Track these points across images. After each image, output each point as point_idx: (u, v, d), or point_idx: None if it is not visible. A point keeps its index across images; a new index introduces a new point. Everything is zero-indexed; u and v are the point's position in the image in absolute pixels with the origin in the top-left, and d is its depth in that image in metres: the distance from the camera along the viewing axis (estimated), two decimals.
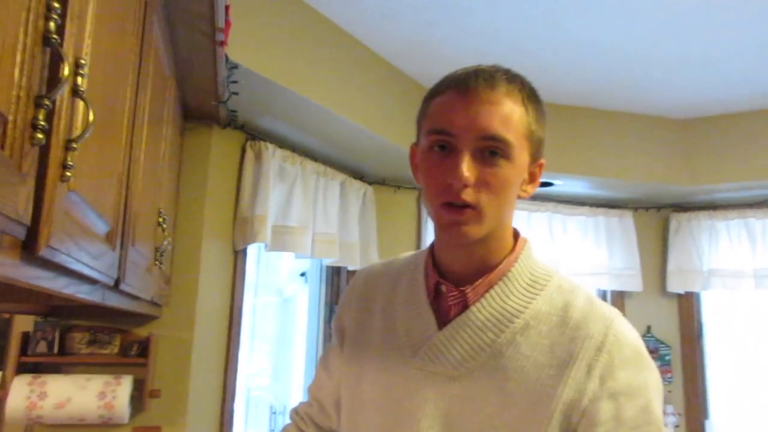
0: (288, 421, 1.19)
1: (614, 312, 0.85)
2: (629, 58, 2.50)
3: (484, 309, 0.85)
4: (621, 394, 0.78)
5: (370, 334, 0.96)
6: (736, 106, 2.99)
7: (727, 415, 3.28)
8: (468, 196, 0.79)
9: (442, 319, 0.88)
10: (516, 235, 0.91)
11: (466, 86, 0.81)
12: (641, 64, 2.55)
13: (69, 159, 0.68)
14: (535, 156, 0.86)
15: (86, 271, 0.86)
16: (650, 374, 0.81)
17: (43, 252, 0.65)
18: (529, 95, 0.86)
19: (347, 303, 1.03)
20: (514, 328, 0.83)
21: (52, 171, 0.65)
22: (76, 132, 0.72)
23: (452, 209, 0.80)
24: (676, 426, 3.24)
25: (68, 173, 0.68)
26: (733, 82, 2.71)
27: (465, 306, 0.86)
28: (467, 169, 0.78)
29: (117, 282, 1.12)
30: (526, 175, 0.86)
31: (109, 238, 1.02)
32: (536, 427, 0.78)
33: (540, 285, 0.87)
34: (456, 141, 0.80)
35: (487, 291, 0.85)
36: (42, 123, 0.58)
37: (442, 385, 0.84)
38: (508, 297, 0.85)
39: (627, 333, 0.82)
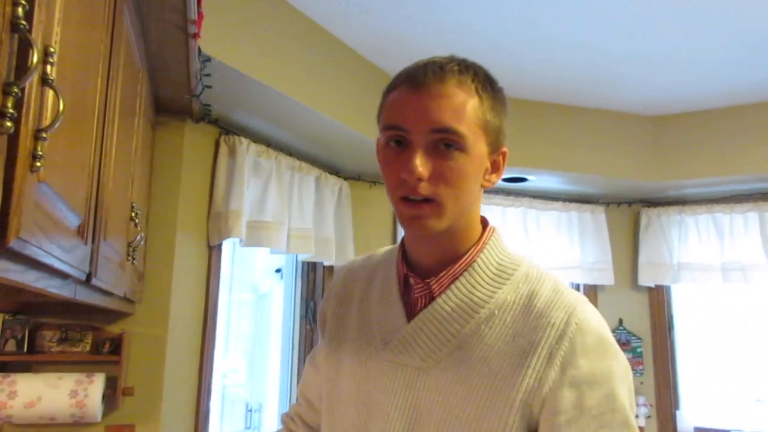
0: (279, 426, 1.19)
1: (580, 300, 0.84)
2: (602, 55, 2.54)
3: (449, 300, 0.85)
4: (583, 382, 0.77)
5: (348, 328, 0.96)
6: (706, 104, 3.05)
7: (697, 405, 3.36)
8: (424, 190, 0.80)
9: (411, 312, 0.89)
10: (485, 224, 0.91)
11: (416, 81, 0.82)
12: (614, 61, 2.59)
13: (39, 149, 0.67)
14: (495, 145, 0.85)
15: (57, 264, 0.85)
16: (615, 362, 0.80)
17: (13, 243, 0.64)
18: (483, 85, 0.84)
19: (328, 298, 1.05)
20: (479, 319, 0.83)
21: (22, 161, 0.64)
22: (46, 122, 0.70)
23: (410, 204, 0.81)
24: (648, 417, 3.31)
25: (38, 163, 0.67)
26: (704, 80, 2.77)
27: (432, 298, 0.87)
28: (420, 164, 0.79)
29: (89, 277, 1.10)
30: (487, 165, 0.85)
31: (80, 231, 1.00)
32: (497, 417, 0.78)
33: (507, 274, 0.87)
34: (409, 136, 0.81)
35: (452, 282, 0.86)
36: (11, 111, 0.57)
37: (411, 377, 0.85)
38: (474, 287, 0.85)
39: (590, 320, 0.81)
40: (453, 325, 0.84)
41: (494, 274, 0.87)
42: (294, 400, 2.73)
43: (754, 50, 2.46)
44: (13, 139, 0.62)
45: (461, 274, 0.86)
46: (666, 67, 2.64)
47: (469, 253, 0.87)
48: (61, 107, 0.69)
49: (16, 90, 0.57)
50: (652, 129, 3.21)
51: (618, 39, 2.41)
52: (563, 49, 2.49)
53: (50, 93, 0.71)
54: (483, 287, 0.86)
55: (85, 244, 1.05)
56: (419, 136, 0.80)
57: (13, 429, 1.79)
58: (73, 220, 0.94)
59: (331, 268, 2.83)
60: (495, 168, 0.87)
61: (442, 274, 0.86)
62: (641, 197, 3.52)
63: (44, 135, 0.67)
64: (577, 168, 3.07)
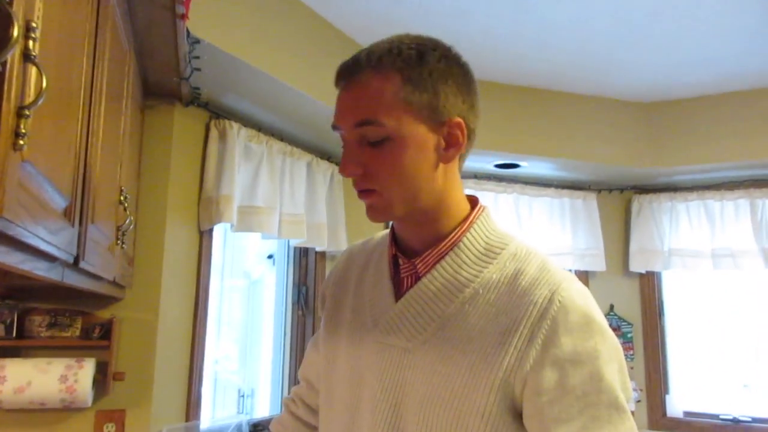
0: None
1: (566, 278, 0.81)
2: (595, 41, 2.53)
3: (435, 280, 0.85)
4: (566, 361, 0.75)
5: (344, 310, 0.97)
6: (698, 90, 3.05)
7: (686, 390, 3.39)
8: (364, 184, 0.82)
9: (399, 293, 0.89)
10: (474, 204, 0.90)
11: (338, 76, 0.84)
12: (606, 47, 2.58)
13: (22, 126, 0.65)
14: (434, 119, 0.82)
15: (43, 246, 0.83)
16: (601, 341, 0.77)
17: None
18: (407, 60, 0.81)
19: (328, 282, 1.06)
20: (463, 298, 0.83)
21: (4, 138, 0.62)
22: (29, 99, 0.69)
23: (362, 195, 0.84)
24: (638, 401, 3.34)
25: (21, 142, 0.65)
26: (697, 67, 2.77)
27: (418, 278, 0.87)
28: (349, 161, 0.81)
29: (76, 260, 1.09)
30: (434, 142, 0.82)
31: (67, 213, 0.99)
32: (478, 395, 0.77)
33: (494, 253, 0.85)
34: (344, 133, 0.83)
35: (438, 262, 0.86)
36: None
37: (398, 357, 0.85)
38: (460, 267, 0.85)
39: (575, 298, 0.79)
40: (438, 304, 0.84)
41: (481, 253, 0.86)
42: (287, 386, 2.73)
43: (747, 37, 2.46)
44: None
45: (447, 253, 0.86)
46: (659, 54, 2.64)
47: (454, 233, 0.86)
48: (44, 84, 0.68)
49: None
50: (644, 115, 3.21)
51: (611, 25, 2.40)
52: (556, 34, 2.48)
53: (33, 69, 0.69)
54: (469, 266, 0.85)
55: (72, 226, 1.03)
56: (348, 132, 0.82)
57: (2, 414, 1.78)
58: (59, 202, 0.92)
59: (323, 254, 2.82)
60: (452, 142, 0.83)
61: (426, 254, 0.86)
62: (633, 184, 3.53)
63: (27, 112, 0.66)
64: (569, 154, 3.07)
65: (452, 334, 0.81)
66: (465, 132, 0.84)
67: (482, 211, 0.90)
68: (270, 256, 3.13)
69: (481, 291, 0.82)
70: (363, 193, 0.83)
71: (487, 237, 0.87)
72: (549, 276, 0.81)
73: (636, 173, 3.29)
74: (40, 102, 0.68)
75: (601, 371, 0.76)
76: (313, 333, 2.74)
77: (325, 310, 1.02)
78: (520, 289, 0.81)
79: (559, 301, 0.78)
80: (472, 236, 0.86)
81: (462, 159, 0.89)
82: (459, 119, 0.83)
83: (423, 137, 0.81)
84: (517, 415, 0.78)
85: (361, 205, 0.88)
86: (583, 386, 0.75)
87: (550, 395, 0.75)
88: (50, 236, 0.87)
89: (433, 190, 0.84)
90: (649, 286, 3.49)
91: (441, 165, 0.84)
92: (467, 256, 0.85)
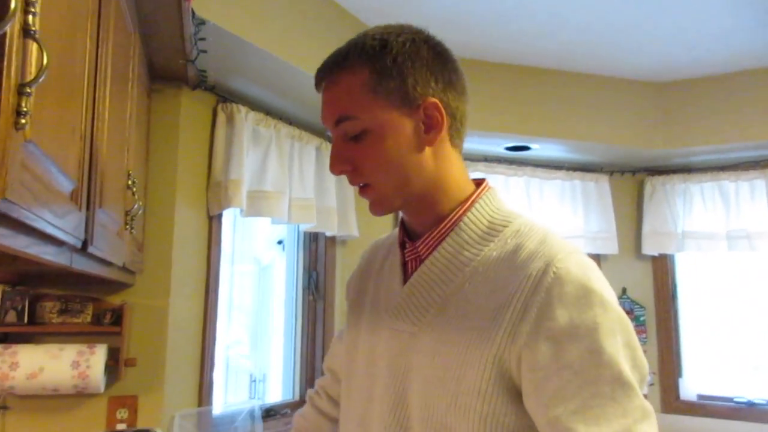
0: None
1: (565, 249, 0.77)
2: (605, 20, 2.47)
3: (437, 261, 0.84)
4: (561, 334, 0.71)
5: (365, 300, 0.97)
6: (712, 69, 2.99)
7: (700, 373, 3.37)
8: (356, 179, 0.84)
9: (407, 277, 0.89)
10: (479, 184, 0.89)
11: (316, 83, 0.87)
12: (618, 26, 2.52)
13: (23, 104, 0.64)
14: (407, 104, 0.81)
15: (50, 230, 0.82)
16: (602, 312, 0.72)
17: None
18: (371, 52, 0.82)
19: (353, 274, 1.07)
20: (463, 277, 0.81)
21: (5, 116, 0.60)
22: (30, 76, 0.67)
23: (361, 192, 0.86)
24: (650, 384, 3.32)
25: (23, 120, 0.64)
26: (710, 45, 2.71)
27: (421, 261, 0.86)
28: (335, 160, 0.83)
29: (85, 244, 1.07)
30: (411, 127, 0.82)
31: (74, 196, 0.97)
32: (473, 374, 0.75)
33: (496, 231, 0.83)
34: (331, 133, 0.86)
35: (439, 243, 0.85)
36: None
37: (405, 343, 0.84)
38: (462, 247, 0.83)
39: (571, 269, 0.74)
40: (441, 285, 0.83)
41: (484, 232, 0.84)
42: (299, 371, 2.73)
43: (762, 14, 2.39)
44: None
45: (448, 234, 0.84)
46: (671, 32, 2.58)
47: (453, 213, 0.85)
48: (45, 61, 0.66)
49: None
50: (657, 95, 3.15)
51: (623, 3, 2.34)
52: (567, 14, 2.43)
53: (33, 46, 0.67)
54: (471, 246, 0.83)
55: (80, 210, 1.02)
56: (333, 132, 0.85)
57: (16, 400, 1.79)
58: (65, 185, 0.90)
59: (333, 239, 2.81)
60: (431, 124, 0.83)
61: (426, 236, 0.86)
62: (646, 165, 3.47)
63: (28, 90, 0.64)
64: (580, 136, 3.02)
65: (452, 314, 0.80)
66: (443, 112, 0.83)
67: (486, 190, 0.88)
68: (280, 242, 3.11)
69: (480, 269, 0.81)
70: (361, 190, 0.85)
71: (490, 215, 0.85)
72: (547, 248, 0.77)
73: (649, 154, 3.24)
74: (41, 79, 0.66)
75: (601, 345, 0.71)
76: (325, 318, 2.73)
77: (348, 302, 1.03)
78: (517, 263, 0.78)
79: (554, 272, 0.74)
80: (474, 215, 0.85)
81: (455, 139, 0.88)
82: (433, 100, 0.82)
83: (399, 123, 0.82)
84: (517, 395, 0.75)
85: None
86: (581, 361, 0.70)
87: (545, 371, 0.71)
88: (57, 220, 0.85)
89: (424, 174, 0.83)
90: (662, 269, 3.45)
91: (427, 148, 0.83)
92: (468, 236, 0.83)
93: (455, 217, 0.85)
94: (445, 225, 0.85)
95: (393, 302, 0.88)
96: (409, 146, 0.82)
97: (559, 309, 0.72)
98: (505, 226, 0.83)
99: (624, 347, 0.72)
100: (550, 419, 0.71)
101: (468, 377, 0.75)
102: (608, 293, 0.74)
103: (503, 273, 0.78)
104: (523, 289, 0.74)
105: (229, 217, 2.33)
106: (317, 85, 0.87)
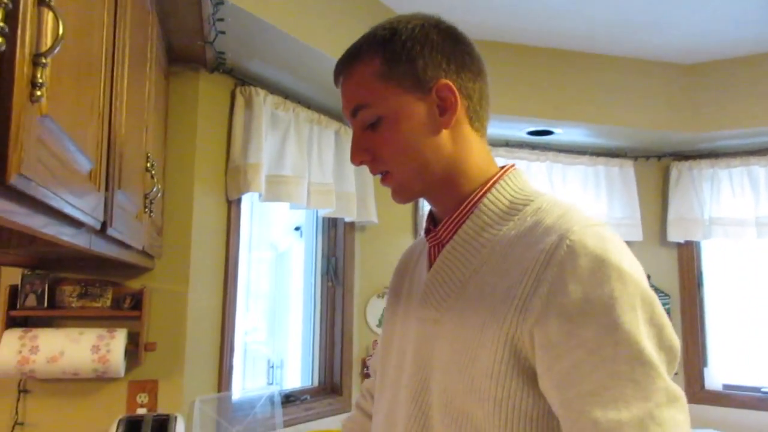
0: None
1: (583, 222, 0.72)
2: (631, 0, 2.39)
3: (457, 245, 0.83)
4: (575, 310, 0.66)
5: (402, 294, 0.97)
6: (741, 50, 2.89)
7: (726, 362, 3.30)
8: (376, 167, 0.85)
9: (432, 265, 0.87)
10: (503, 167, 0.87)
11: (335, 79, 0.89)
12: (643, 5, 2.44)
13: (39, 76, 0.61)
14: (418, 88, 0.81)
15: (68, 209, 0.79)
16: (620, 287, 0.66)
17: (14, 181, 0.58)
18: (381, 41, 0.83)
19: (396, 269, 1.07)
20: (481, 259, 0.79)
21: (19, 87, 0.57)
22: (45, 46, 0.64)
23: (382, 181, 0.86)
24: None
25: (38, 92, 0.61)
26: (739, 25, 2.61)
27: (443, 246, 0.85)
28: (355, 150, 0.84)
29: (104, 226, 1.05)
30: (425, 111, 0.81)
31: (92, 176, 0.95)
32: (487, 355, 0.72)
33: (516, 210, 0.80)
34: (350, 125, 0.87)
35: (459, 227, 0.83)
36: (1, 24, 0.50)
37: (429, 330, 0.82)
38: (482, 228, 0.81)
39: (587, 241, 0.69)
40: (460, 269, 0.81)
41: (503, 212, 0.81)
42: (317, 356, 2.71)
43: None
44: (9, 62, 0.56)
45: (467, 217, 0.83)
46: (699, 12, 2.49)
47: (473, 195, 0.83)
48: (61, 30, 0.63)
49: (5, 0, 0.51)
50: (684, 77, 3.06)
51: None
52: None
53: (49, 14, 0.64)
54: (491, 227, 0.81)
55: (99, 190, 1.00)
56: (351, 123, 0.86)
57: (37, 384, 1.79)
58: (84, 163, 0.88)
59: (352, 225, 2.78)
60: (445, 106, 0.82)
61: (446, 220, 0.84)
62: (672, 150, 3.39)
63: (44, 60, 0.61)
64: (605, 120, 2.94)
65: (470, 297, 0.78)
66: (456, 93, 0.82)
67: (509, 171, 0.86)
68: (297, 228, 3.09)
69: (497, 249, 0.78)
70: (382, 179, 0.86)
71: (512, 195, 0.83)
72: (565, 221, 0.73)
73: (675, 139, 3.15)
74: (56, 50, 0.62)
75: (618, 320, 0.65)
76: (344, 304, 2.71)
77: (387, 300, 1.04)
78: (533, 239, 0.74)
79: (568, 245, 0.69)
80: (494, 196, 0.83)
81: (474, 122, 0.86)
82: (446, 81, 0.82)
83: (413, 107, 0.82)
84: (533, 377, 0.71)
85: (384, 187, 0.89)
86: (596, 339, 0.65)
87: (557, 350, 0.67)
88: (75, 200, 0.82)
89: (442, 157, 0.83)
90: (688, 256, 3.38)
91: (444, 131, 0.82)
92: (488, 217, 0.81)
93: (475, 199, 0.83)
94: (465, 207, 0.83)
95: (419, 291, 0.87)
96: (424, 130, 0.81)
97: (572, 283, 0.67)
98: (526, 205, 0.81)
99: (646, 324, 0.66)
100: (563, 402, 0.67)
101: (482, 359, 0.73)
102: (628, 265, 0.68)
103: (519, 250, 0.75)
104: (535, 264, 0.71)
105: (246, 202, 2.31)
106: (336, 80, 0.88)
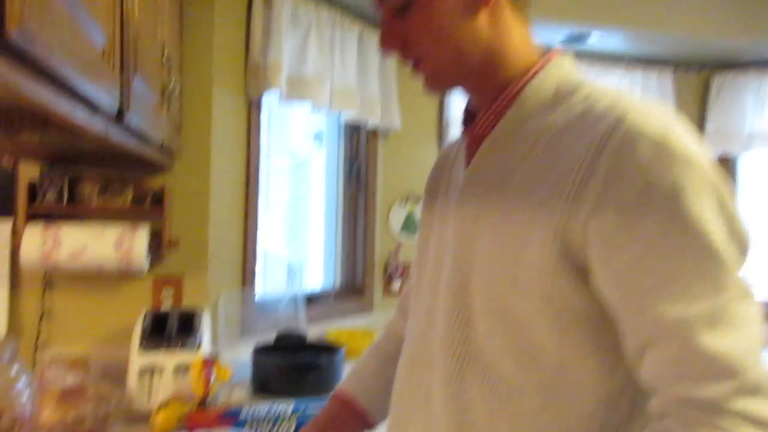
0: None
1: (641, 104, 0.65)
2: None
3: (498, 138, 0.76)
4: (634, 202, 0.60)
5: (439, 192, 0.91)
6: None
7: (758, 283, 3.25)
8: (408, 53, 0.78)
9: (470, 161, 0.82)
10: (548, 52, 0.79)
11: None
12: None
13: None
14: None
15: (80, 86, 0.73)
16: (686, 173, 0.60)
17: (15, 36, 0.52)
18: None
19: (431, 170, 0.99)
20: (524, 151, 0.73)
21: None
22: None
23: (414, 69, 0.80)
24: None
25: None
26: None
27: (482, 140, 0.79)
28: (385, 36, 0.78)
29: (120, 114, 1.00)
30: None
31: (106, 55, 0.88)
32: (533, 251, 0.67)
33: (563, 98, 0.73)
34: (380, 12, 0.80)
35: (500, 118, 0.76)
36: None
37: (470, 228, 0.77)
38: (525, 118, 0.74)
39: (646, 124, 0.62)
40: (501, 163, 0.75)
41: (549, 100, 0.74)
42: (340, 259, 2.71)
43: None
44: None
45: (509, 107, 0.76)
46: None
47: (514, 84, 0.76)
48: None
49: None
50: None
51: None
52: None
53: None
54: (535, 116, 0.74)
55: (113, 72, 0.93)
56: (381, 9, 0.79)
57: (62, 278, 1.80)
58: (96, 36, 0.81)
59: (375, 132, 2.69)
60: None
61: (485, 112, 0.78)
62: (714, 59, 3.19)
63: None
64: (643, 24, 2.75)
65: (514, 191, 0.72)
66: None
67: (556, 56, 0.77)
68: (317, 136, 3.02)
69: (542, 139, 0.71)
70: (414, 66, 0.79)
71: (558, 82, 0.75)
72: (621, 105, 0.66)
73: (720, 47, 2.95)
74: None
75: (684, 210, 0.59)
76: (366, 209, 2.68)
77: (423, 201, 0.97)
78: (584, 127, 0.67)
79: (625, 130, 0.63)
80: (539, 83, 0.75)
81: (518, 3, 0.78)
82: None
83: None
84: (583, 275, 0.66)
85: (415, 78, 0.81)
86: (661, 230, 0.59)
87: (617, 243, 0.61)
88: (87, 74, 0.76)
89: (480, 42, 0.75)
90: (724, 171, 3.26)
91: (482, 14, 0.75)
92: (532, 106, 0.75)
93: (517, 87, 0.76)
94: (506, 97, 0.76)
95: (458, 189, 0.82)
96: (459, 10, 0.74)
97: (630, 172, 0.61)
98: (573, 92, 0.73)
99: (715, 213, 0.60)
100: (623, 297, 0.62)
101: (528, 255, 0.68)
102: (694, 150, 0.62)
103: (567, 140, 0.68)
104: (588, 153, 0.64)
105: (264, 109, 2.23)
106: None
